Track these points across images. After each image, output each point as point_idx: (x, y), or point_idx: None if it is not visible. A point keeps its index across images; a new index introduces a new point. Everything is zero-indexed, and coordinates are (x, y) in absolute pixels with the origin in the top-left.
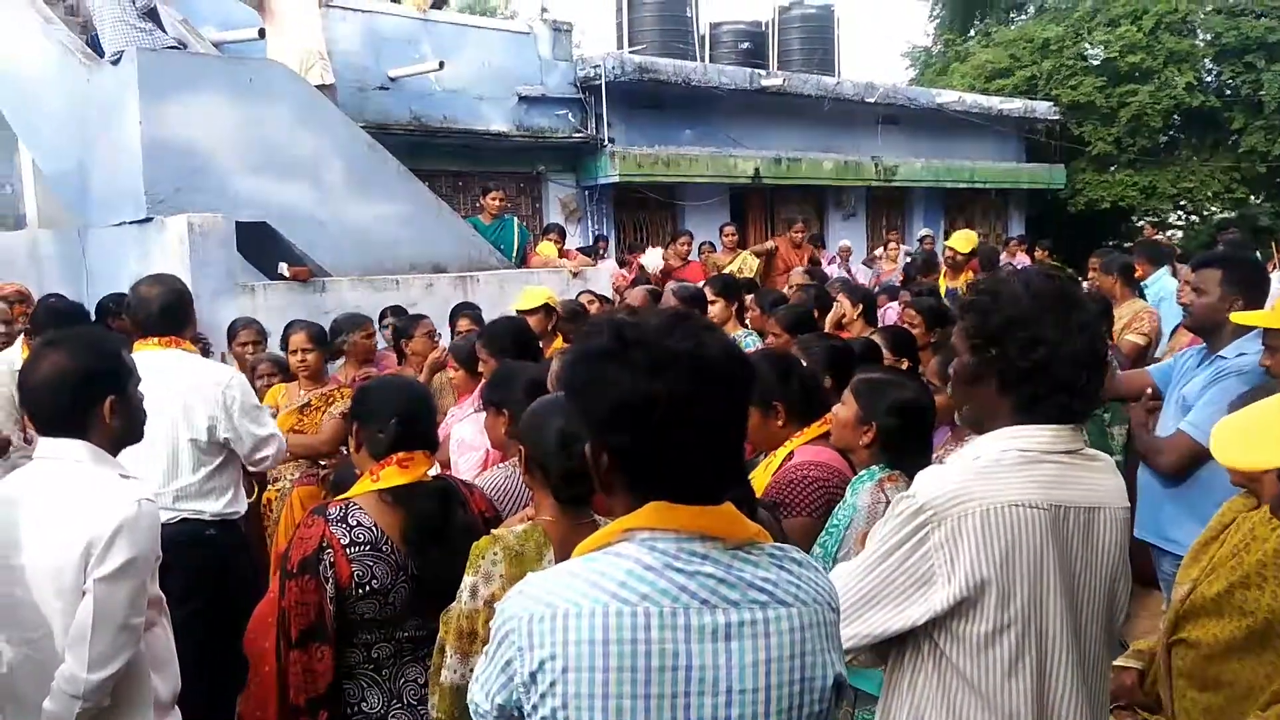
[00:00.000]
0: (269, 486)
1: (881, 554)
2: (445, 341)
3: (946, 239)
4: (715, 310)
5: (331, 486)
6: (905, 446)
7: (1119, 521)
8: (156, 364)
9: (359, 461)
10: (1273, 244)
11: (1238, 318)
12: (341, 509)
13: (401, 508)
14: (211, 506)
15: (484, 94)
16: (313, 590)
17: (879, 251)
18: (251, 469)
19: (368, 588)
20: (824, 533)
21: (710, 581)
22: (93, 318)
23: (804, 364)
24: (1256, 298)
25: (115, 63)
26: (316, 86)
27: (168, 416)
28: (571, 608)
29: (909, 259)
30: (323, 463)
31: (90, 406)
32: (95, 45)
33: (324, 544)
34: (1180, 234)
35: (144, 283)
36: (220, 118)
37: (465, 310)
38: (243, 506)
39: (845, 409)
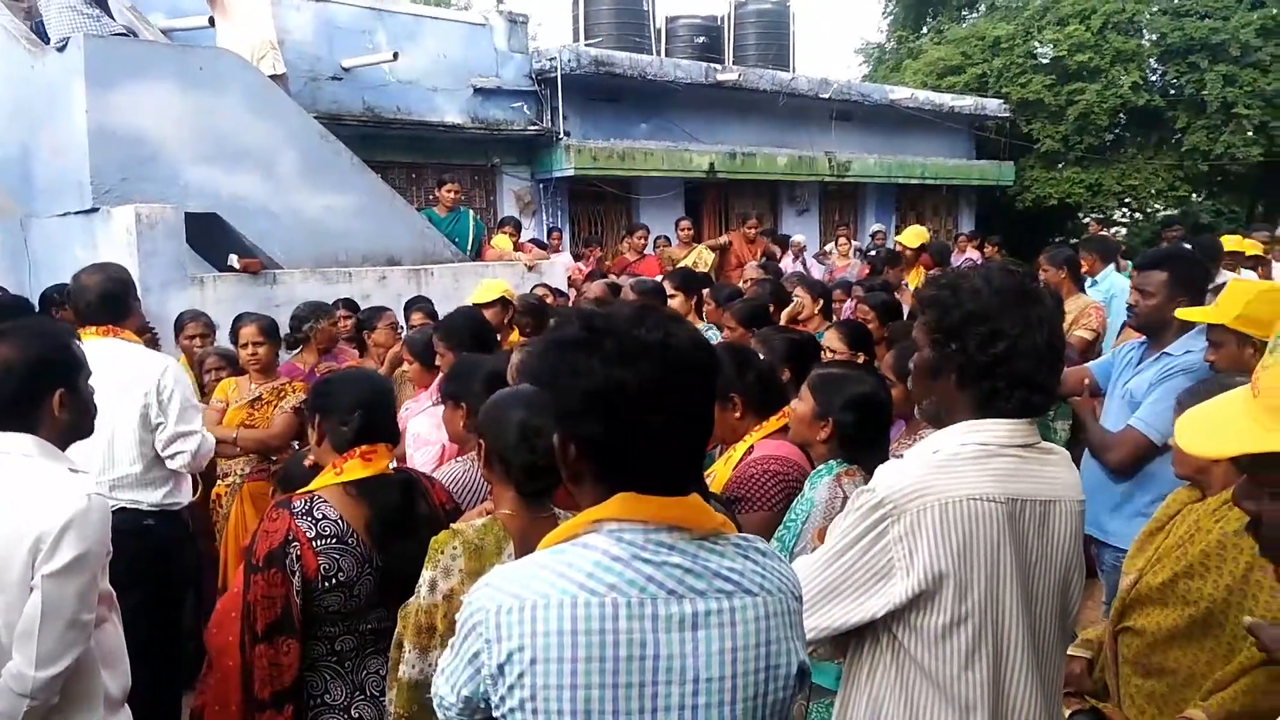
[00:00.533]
0: (218, 481)
1: (841, 547)
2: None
3: (898, 234)
4: (675, 304)
5: (279, 481)
6: (862, 441)
7: (1074, 515)
8: (95, 353)
9: (320, 454)
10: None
11: (1183, 314)
12: (306, 502)
13: (366, 500)
14: (150, 497)
15: (438, 85)
16: (279, 584)
17: (829, 247)
18: (168, 464)
19: (334, 580)
20: (781, 527)
21: (677, 571)
22: (37, 310)
23: (761, 357)
24: (1200, 295)
25: (61, 49)
26: (268, 76)
27: (104, 406)
28: (539, 599)
29: (860, 254)
30: (274, 458)
31: (39, 399)
32: (40, 31)
33: (290, 537)
34: (1124, 231)
35: (85, 271)
36: (169, 107)
37: (418, 304)
38: (184, 498)
39: (803, 404)
